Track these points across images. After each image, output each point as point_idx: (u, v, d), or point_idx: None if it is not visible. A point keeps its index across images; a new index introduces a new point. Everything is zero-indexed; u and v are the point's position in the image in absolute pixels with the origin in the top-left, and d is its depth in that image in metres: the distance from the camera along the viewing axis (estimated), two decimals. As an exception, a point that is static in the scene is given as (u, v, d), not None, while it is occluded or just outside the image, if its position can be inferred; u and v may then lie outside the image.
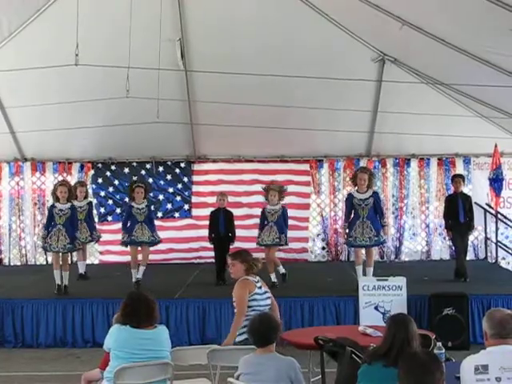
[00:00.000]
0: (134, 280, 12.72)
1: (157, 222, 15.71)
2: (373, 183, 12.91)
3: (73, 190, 13.20)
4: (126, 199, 15.40)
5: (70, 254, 13.31)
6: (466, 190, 14.30)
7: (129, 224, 12.97)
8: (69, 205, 12.55)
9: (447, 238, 14.34)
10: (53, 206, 12.54)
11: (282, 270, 13.11)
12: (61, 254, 12.47)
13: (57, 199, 12.50)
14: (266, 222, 13.02)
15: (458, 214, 13.26)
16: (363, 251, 12.70)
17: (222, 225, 13.21)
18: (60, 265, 12.48)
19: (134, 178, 15.74)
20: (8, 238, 16.78)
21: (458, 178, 13.73)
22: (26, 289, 13.08)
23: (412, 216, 16.82)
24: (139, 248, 12.99)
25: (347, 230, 12.62)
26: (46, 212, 13.61)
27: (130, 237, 12.90)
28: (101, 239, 15.26)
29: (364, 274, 12.37)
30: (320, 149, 16.43)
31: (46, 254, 15.36)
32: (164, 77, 12.87)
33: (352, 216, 12.52)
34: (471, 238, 15.24)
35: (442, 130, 14.94)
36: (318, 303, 11.68)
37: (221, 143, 16.08)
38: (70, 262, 13.24)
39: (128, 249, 13.21)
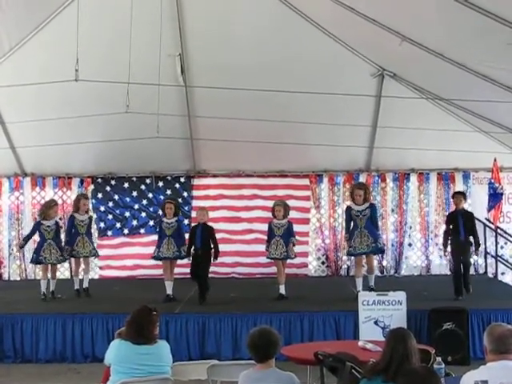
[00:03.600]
0: (167, 293, 13.06)
1: (156, 237, 15.75)
2: (369, 197, 13.56)
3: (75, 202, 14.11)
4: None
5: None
6: (465, 205, 14.21)
7: (160, 238, 13.36)
8: (54, 221, 13.68)
9: (444, 255, 14.25)
10: (40, 224, 13.64)
11: (282, 290, 13.16)
12: (50, 265, 13.52)
13: (45, 217, 13.53)
14: (272, 236, 13.26)
15: (458, 231, 13.08)
16: (364, 263, 13.17)
17: (198, 240, 12.92)
18: (47, 274, 13.54)
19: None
20: (8, 253, 16.78)
21: (458, 195, 13.58)
22: (25, 304, 13.03)
23: (412, 230, 16.82)
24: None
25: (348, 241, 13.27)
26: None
27: (158, 252, 13.31)
28: (101, 254, 15.32)
29: (366, 281, 12.83)
30: (320, 163, 16.45)
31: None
32: (164, 92, 12.91)
33: (351, 227, 13.09)
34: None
35: (442, 144, 14.95)
36: (317, 318, 11.66)
37: (221, 158, 16.10)
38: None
39: (160, 262, 13.63)
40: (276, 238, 13.18)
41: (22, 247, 13.92)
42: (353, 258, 14.14)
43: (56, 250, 13.51)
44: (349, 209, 13.33)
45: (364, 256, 13.13)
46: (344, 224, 13.77)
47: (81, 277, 13.90)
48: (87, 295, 13.63)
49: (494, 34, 9.42)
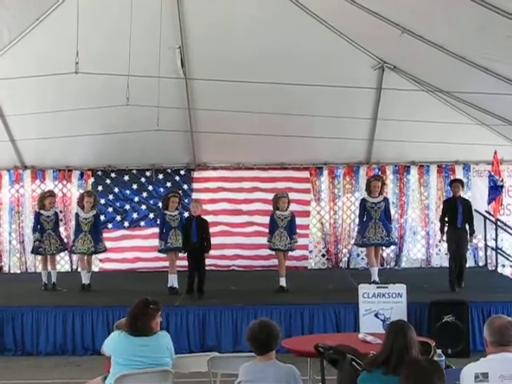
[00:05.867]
0: (169, 285, 13.03)
1: (156, 230, 15.70)
2: (384, 190, 13.80)
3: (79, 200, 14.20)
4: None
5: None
6: (465, 197, 14.20)
7: (164, 231, 13.26)
8: (53, 211, 13.93)
9: (442, 240, 14.14)
10: (39, 214, 13.82)
11: (283, 282, 13.18)
12: (49, 255, 13.80)
13: (42, 207, 13.79)
14: (275, 228, 13.25)
15: (455, 218, 13.06)
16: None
17: (194, 234, 12.76)
18: (47, 265, 13.83)
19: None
20: (8, 246, 16.79)
21: (456, 183, 13.58)
22: (25, 296, 13.06)
23: (412, 223, 16.82)
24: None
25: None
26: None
27: (165, 244, 13.21)
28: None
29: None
30: (320, 156, 16.45)
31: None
32: (164, 84, 12.90)
33: (365, 219, 13.27)
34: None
35: (442, 137, 14.94)
36: (318, 310, 11.67)
37: (221, 151, 16.09)
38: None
39: (165, 255, 13.66)
40: (280, 229, 13.18)
41: (39, 240, 13.67)
42: (359, 248, 14.95)
43: (56, 239, 13.77)
44: (363, 201, 13.43)
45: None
46: (358, 215, 13.95)
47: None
48: (88, 290, 13.52)
49: (495, 26, 9.42)
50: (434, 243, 16.57)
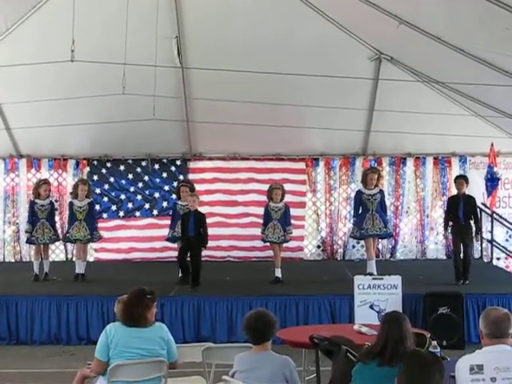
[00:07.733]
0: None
1: (152, 220, 15.70)
2: (380, 182, 13.81)
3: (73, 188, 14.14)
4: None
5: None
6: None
7: (174, 220, 13.39)
8: (48, 201, 13.86)
9: (444, 237, 14.10)
10: (34, 203, 13.77)
11: (278, 273, 13.16)
12: (42, 244, 13.72)
13: (37, 196, 13.69)
14: (269, 219, 13.23)
15: (457, 216, 12.97)
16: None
17: (191, 228, 12.57)
18: (41, 255, 13.77)
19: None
20: (3, 235, 16.76)
21: (460, 179, 13.43)
22: (20, 285, 13.04)
23: (407, 215, 16.81)
24: None
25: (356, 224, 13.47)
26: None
27: (173, 233, 13.37)
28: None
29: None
30: (316, 147, 16.43)
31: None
32: (160, 73, 12.84)
33: (361, 211, 13.22)
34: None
35: (439, 129, 14.91)
36: (313, 302, 11.67)
37: (217, 141, 16.05)
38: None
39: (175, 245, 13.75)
40: (273, 221, 13.14)
41: (30, 232, 13.70)
42: (354, 240, 15.06)
43: (49, 229, 13.68)
44: (359, 193, 13.42)
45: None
46: (353, 207, 13.80)
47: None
48: (83, 280, 13.46)
49: (493, 18, 9.38)
50: (430, 235, 16.56)
